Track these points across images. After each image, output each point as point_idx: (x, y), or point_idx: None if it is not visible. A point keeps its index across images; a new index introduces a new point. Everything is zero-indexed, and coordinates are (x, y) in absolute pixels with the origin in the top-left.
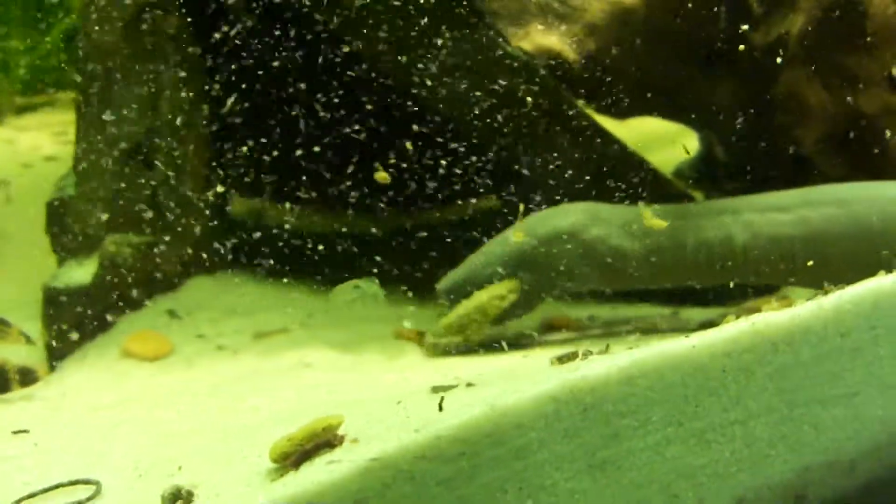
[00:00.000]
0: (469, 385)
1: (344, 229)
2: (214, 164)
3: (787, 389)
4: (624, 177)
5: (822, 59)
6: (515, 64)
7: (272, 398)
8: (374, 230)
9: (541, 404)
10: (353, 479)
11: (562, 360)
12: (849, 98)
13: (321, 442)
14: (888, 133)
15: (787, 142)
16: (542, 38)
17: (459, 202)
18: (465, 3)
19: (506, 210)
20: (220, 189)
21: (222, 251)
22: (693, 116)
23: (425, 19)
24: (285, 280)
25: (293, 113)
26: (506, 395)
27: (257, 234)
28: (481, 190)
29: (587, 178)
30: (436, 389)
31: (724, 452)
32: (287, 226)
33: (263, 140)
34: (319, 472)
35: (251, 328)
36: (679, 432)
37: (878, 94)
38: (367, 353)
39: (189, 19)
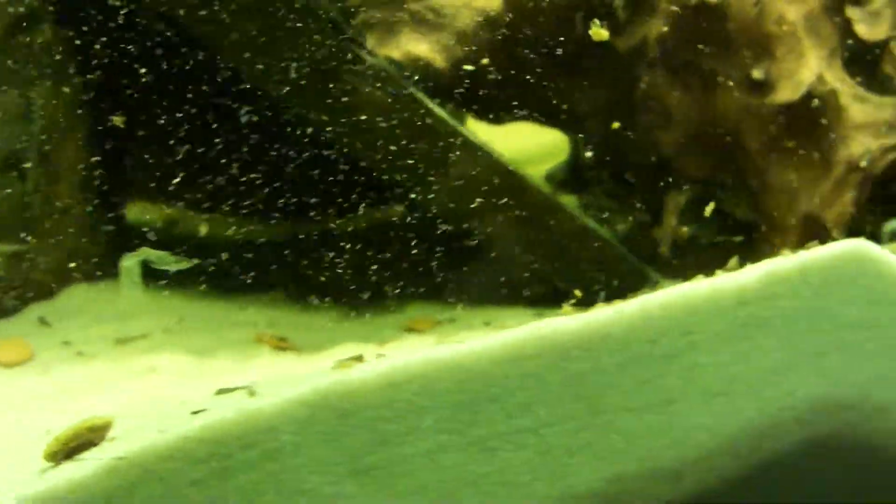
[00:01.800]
0: (248, 388)
1: (234, 235)
2: (103, 171)
3: (586, 396)
4: (487, 182)
5: (682, 62)
6: (376, 73)
7: (103, 400)
8: (261, 237)
9: (292, 408)
10: (100, 478)
11: (342, 363)
12: (708, 100)
13: (84, 441)
14: (746, 134)
15: (649, 144)
16: (412, 46)
17: (342, 212)
18: (322, 16)
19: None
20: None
21: (103, 258)
22: (561, 121)
23: (287, 31)
24: (167, 288)
25: (171, 120)
26: (261, 398)
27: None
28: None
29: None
30: (220, 392)
31: (512, 460)
32: (181, 231)
33: (152, 146)
34: (72, 470)
35: (117, 334)
36: (456, 439)
37: (736, 96)
38: (219, 358)
39: (64, 30)
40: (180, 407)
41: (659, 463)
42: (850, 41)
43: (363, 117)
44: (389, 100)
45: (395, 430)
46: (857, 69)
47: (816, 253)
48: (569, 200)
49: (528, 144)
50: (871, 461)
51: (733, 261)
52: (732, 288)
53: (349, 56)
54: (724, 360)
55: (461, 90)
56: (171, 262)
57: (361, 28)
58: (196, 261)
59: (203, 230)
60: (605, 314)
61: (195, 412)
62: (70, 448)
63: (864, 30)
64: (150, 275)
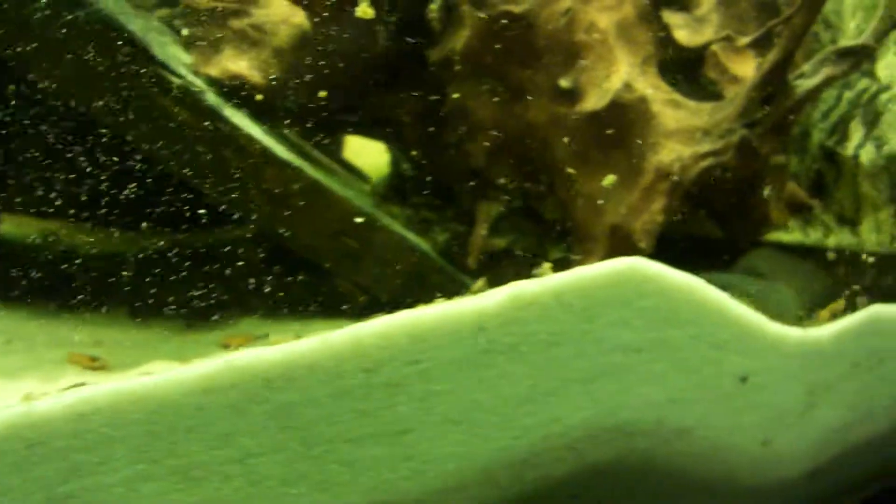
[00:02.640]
0: None
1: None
2: None
3: (296, 427)
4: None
5: (490, 73)
6: (180, 94)
7: None
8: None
9: None
10: None
11: (29, 396)
12: (518, 110)
13: None
14: (554, 143)
15: (460, 156)
16: (230, 64)
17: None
18: (127, 38)
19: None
20: None
21: None
22: (382, 133)
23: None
24: (10, 306)
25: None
26: None
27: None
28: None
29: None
30: None
31: (222, 490)
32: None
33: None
34: None
35: None
36: (155, 469)
37: (545, 105)
38: (26, 379)
39: None
40: None
41: (396, 494)
42: (671, 47)
43: (174, 138)
44: (197, 120)
45: (87, 459)
46: (680, 75)
47: (577, 274)
48: (395, 212)
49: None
50: (676, 487)
51: (480, 282)
52: (469, 313)
53: (154, 79)
54: (466, 387)
55: (282, 106)
56: None
57: (186, 46)
58: None
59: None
60: (310, 343)
61: None
62: None
63: (684, 35)
64: None
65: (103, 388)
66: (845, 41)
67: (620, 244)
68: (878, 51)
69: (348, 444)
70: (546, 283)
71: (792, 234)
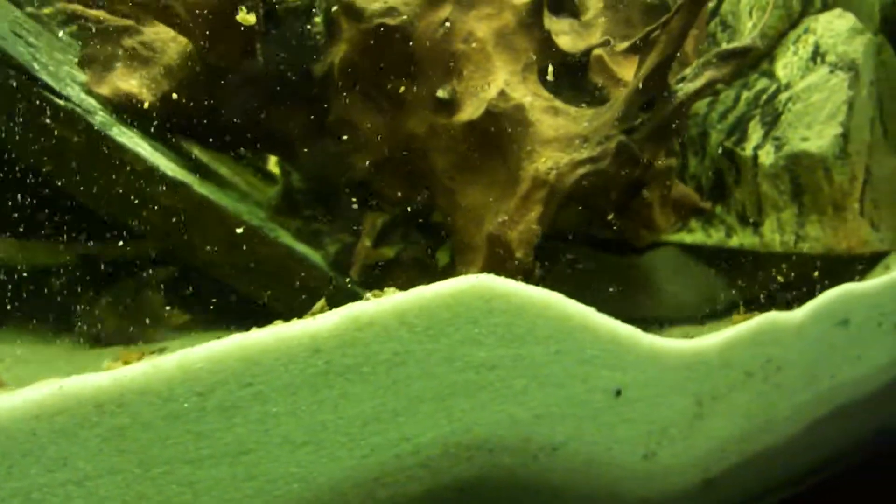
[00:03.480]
0: None
1: None
2: None
3: (132, 450)
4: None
5: (370, 86)
6: (64, 115)
7: None
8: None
9: None
10: None
11: None
12: (398, 122)
13: None
14: (434, 153)
15: (346, 168)
16: (121, 83)
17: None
18: (11, 61)
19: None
20: None
21: None
22: (272, 147)
23: None
24: None
25: None
26: None
27: None
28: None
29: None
30: None
31: None
32: None
33: None
34: None
35: None
36: None
37: (424, 116)
38: None
39: None
40: None
41: None
42: (554, 52)
43: (62, 158)
44: (83, 141)
45: None
46: (565, 80)
47: (419, 293)
48: (287, 224)
49: None
50: (555, 502)
51: (319, 303)
52: (302, 336)
53: (38, 101)
54: (306, 409)
55: (173, 123)
56: None
57: (81, 65)
58: None
59: None
60: (140, 368)
61: None
62: None
63: (567, 42)
64: None
65: None
66: (742, 39)
67: (499, 254)
68: (776, 50)
69: (187, 465)
70: (385, 303)
71: (694, 235)
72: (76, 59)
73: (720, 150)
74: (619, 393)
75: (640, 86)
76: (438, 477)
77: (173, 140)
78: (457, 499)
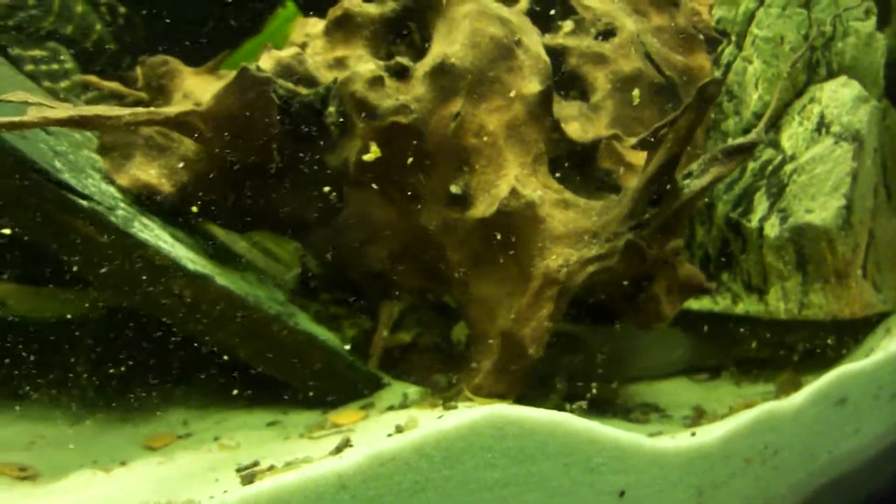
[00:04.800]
0: None
1: None
2: None
3: None
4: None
5: (385, 180)
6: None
7: None
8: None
9: None
10: None
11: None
12: (413, 215)
13: None
14: (448, 248)
15: (362, 257)
16: (140, 173)
17: None
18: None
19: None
20: None
21: None
22: (291, 232)
23: None
24: None
25: None
26: None
27: None
28: None
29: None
30: None
31: None
32: None
33: None
34: None
35: None
36: None
37: (438, 211)
38: None
39: None
40: None
41: None
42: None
43: (86, 254)
44: (106, 237)
45: None
46: (574, 167)
47: (437, 427)
48: (305, 307)
49: None
50: None
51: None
52: (330, 475)
53: (60, 202)
54: None
55: (191, 211)
56: None
57: (101, 152)
58: None
59: None
60: None
61: None
62: None
63: (576, 129)
64: None
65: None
66: (747, 110)
67: (511, 349)
68: (782, 119)
69: None
70: (404, 439)
71: (701, 302)
72: (92, 141)
73: (726, 221)
74: (622, 494)
75: (648, 183)
76: None
77: (191, 221)
78: None
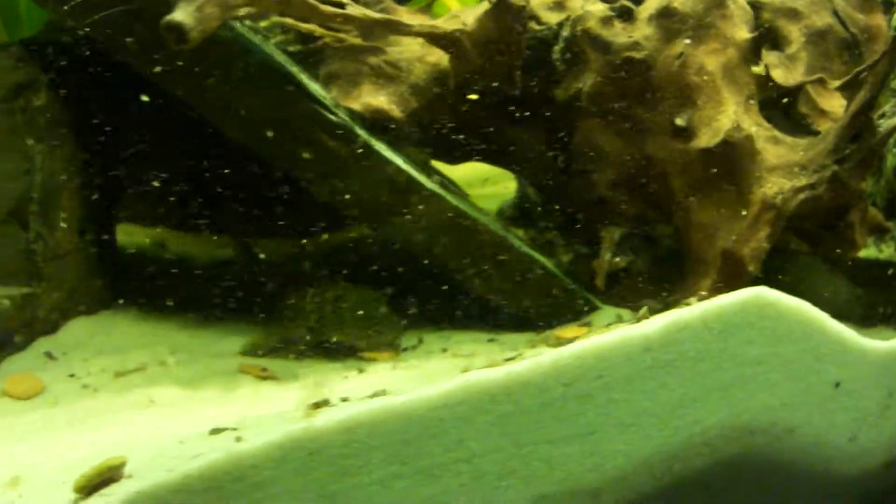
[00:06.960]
0: (235, 429)
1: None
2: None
3: (511, 433)
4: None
5: (614, 111)
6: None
7: (111, 433)
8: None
9: (270, 450)
10: None
11: (309, 411)
12: (638, 145)
13: (106, 478)
14: (671, 176)
15: (586, 185)
16: (371, 99)
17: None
18: (287, 78)
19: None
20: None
21: (101, 293)
22: (509, 162)
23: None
24: (159, 316)
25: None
26: (246, 441)
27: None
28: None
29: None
30: (214, 431)
31: (451, 484)
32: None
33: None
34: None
35: (115, 367)
36: (404, 469)
37: (663, 141)
38: (207, 389)
39: (60, 92)
40: (179, 446)
41: (578, 484)
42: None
43: (332, 169)
44: (351, 154)
45: (352, 463)
46: (776, 111)
47: (717, 302)
48: (520, 234)
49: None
50: (785, 477)
51: (643, 310)
52: (638, 337)
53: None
54: (636, 397)
55: (418, 137)
56: None
57: (324, 82)
58: None
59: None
60: (524, 365)
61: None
62: (95, 484)
63: (780, 75)
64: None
65: (368, 405)
66: None
67: (731, 267)
68: None
69: (548, 445)
70: (694, 310)
71: (867, 251)
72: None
73: (894, 173)
74: (838, 385)
75: (850, 120)
76: (715, 454)
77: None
78: (723, 473)
